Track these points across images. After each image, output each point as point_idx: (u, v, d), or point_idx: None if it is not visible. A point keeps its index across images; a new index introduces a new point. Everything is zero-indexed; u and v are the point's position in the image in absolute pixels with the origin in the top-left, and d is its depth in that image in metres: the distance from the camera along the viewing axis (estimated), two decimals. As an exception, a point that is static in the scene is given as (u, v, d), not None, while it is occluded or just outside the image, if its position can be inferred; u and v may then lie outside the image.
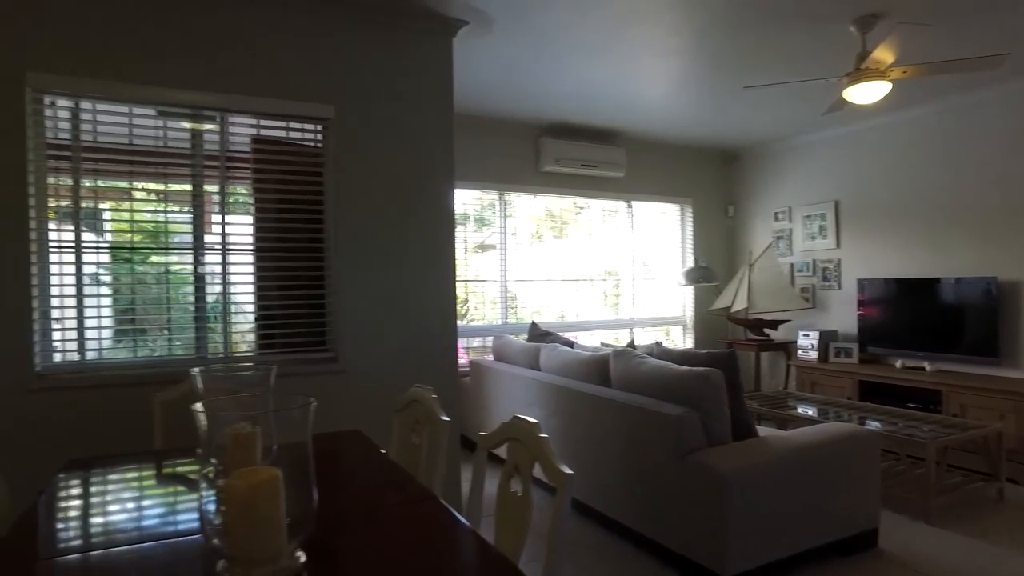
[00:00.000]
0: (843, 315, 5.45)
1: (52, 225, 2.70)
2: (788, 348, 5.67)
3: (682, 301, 6.35)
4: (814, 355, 5.29)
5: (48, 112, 2.67)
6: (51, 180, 2.68)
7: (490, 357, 4.77)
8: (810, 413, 4.10)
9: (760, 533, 2.54)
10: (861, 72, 3.44)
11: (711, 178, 6.47)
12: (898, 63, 3.34)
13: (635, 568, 2.82)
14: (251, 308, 3.14)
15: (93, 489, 1.75)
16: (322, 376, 3.02)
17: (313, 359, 3.06)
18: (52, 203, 2.69)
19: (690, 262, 6.24)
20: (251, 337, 3.16)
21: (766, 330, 5.76)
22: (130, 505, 1.65)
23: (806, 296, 5.74)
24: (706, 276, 5.90)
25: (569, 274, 5.84)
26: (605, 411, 3.14)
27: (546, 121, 5.29)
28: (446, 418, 1.76)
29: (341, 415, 2.79)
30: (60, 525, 1.50)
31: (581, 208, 5.92)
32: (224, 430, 1.56)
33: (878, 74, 3.44)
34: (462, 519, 1.39)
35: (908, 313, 4.89)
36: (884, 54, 3.31)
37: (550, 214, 5.84)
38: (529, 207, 5.69)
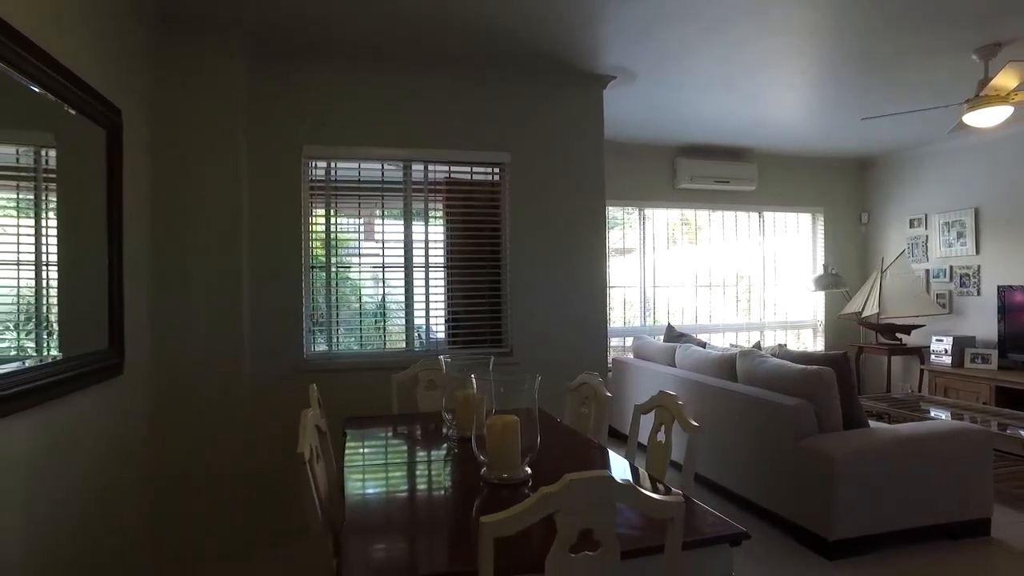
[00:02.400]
0: (982, 321, 5.53)
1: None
2: (921, 352, 5.81)
3: (813, 306, 6.63)
4: (947, 360, 5.43)
5: (311, 164, 3.71)
6: (312, 207, 3.71)
7: (630, 355, 5.43)
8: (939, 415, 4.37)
9: (863, 507, 3.02)
10: (982, 99, 3.72)
11: (844, 187, 6.68)
12: (1021, 86, 3.58)
13: (758, 534, 3.38)
14: (442, 313, 4.04)
15: (373, 433, 2.65)
16: (501, 367, 3.84)
17: (493, 353, 3.90)
18: (313, 233, 3.73)
19: (820, 269, 6.51)
20: (442, 336, 4.06)
21: (898, 335, 5.93)
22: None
23: (942, 302, 5.85)
24: (835, 283, 6.17)
25: (702, 279, 6.35)
26: (732, 403, 3.72)
27: (681, 143, 5.86)
28: (608, 394, 2.48)
29: (518, 398, 3.59)
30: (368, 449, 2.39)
31: (713, 220, 6.41)
32: (457, 394, 2.41)
33: (999, 99, 3.70)
34: (621, 456, 2.11)
35: (1050, 321, 4.94)
36: (1007, 80, 3.59)
37: (684, 221, 6.38)
38: (666, 216, 6.26)
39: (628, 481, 1.19)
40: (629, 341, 5.70)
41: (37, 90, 1.83)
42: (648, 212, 6.13)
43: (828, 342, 6.58)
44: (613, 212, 6.04)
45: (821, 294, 6.52)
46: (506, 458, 1.88)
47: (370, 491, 1.97)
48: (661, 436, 2.10)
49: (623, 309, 6.18)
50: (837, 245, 6.65)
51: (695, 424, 1.96)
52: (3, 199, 1.85)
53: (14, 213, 1.85)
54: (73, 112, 2.07)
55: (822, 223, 6.64)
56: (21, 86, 1.76)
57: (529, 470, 1.92)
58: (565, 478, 1.15)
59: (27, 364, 1.80)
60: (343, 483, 1.97)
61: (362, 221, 3.98)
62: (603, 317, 4.10)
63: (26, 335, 1.87)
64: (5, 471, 1.69)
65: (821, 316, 6.63)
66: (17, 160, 1.88)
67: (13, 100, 1.76)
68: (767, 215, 6.50)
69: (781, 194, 6.41)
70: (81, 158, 2.22)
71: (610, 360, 5.56)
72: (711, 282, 6.40)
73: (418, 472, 2.25)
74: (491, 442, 1.90)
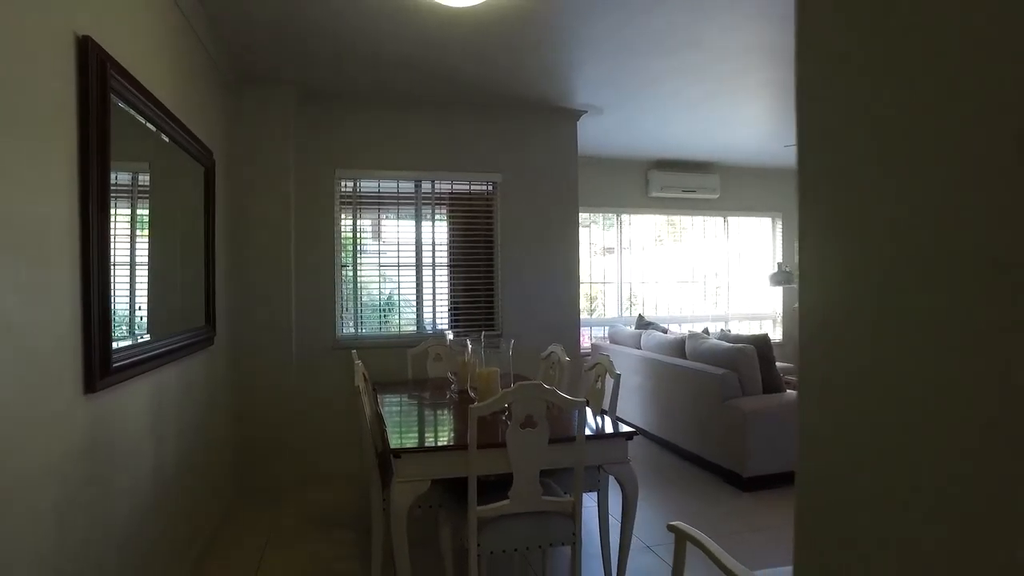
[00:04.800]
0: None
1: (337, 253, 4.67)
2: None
3: (772, 300, 7.55)
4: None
5: (341, 183, 4.64)
6: (342, 217, 4.64)
7: (607, 341, 6.35)
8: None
9: (768, 452, 3.94)
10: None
11: (801, 194, 7.56)
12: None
13: (693, 474, 4.31)
14: (446, 301, 4.96)
15: (395, 390, 3.58)
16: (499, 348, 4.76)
17: (493, 339, 4.82)
18: (343, 238, 4.66)
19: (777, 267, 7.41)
20: (446, 321, 4.98)
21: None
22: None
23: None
24: (788, 279, 7.07)
25: (676, 276, 7.27)
26: (679, 374, 4.64)
27: (653, 157, 6.76)
28: (567, 358, 3.40)
29: (501, 361, 4.52)
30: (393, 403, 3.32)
31: (684, 228, 7.32)
32: (457, 359, 3.33)
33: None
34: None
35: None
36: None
37: (660, 225, 7.29)
38: (642, 222, 7.18)
39: (551, 387, 2.12)
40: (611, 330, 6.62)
41: (167, 140, 2.75)
42: (625, 217, 7.05)
43: (785, 331, 7.49)
44: (595, 217, 6.96)
45: (779, 289, 7.42)
46: (489, 394, 2.81)
47: (402, 417, 2.91)
48: (599, 385, 3.01)
49: (610, 303, 7.10)
50: (794, 245, 7.54)
51: (618, 372, 2.87)
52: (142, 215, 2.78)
53: (144, 228, 2.77)
54: (190, 156, 3.00)
55: (780, 226, 7.54)
56: (171, 145, 2.69)
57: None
58: (516, 384, 2.08)
59: (173, 335, 2.73)
60: (382, 417, 2.90)
61: (382, 227, 4.90)
62: (576, 304, 5.02)
63: (170, 316, 2.80)
64: (166, 396, 2.62)
65: (780, 308, 7.54)
66: (145, 190, 2.80)
67: (171, 157, 2.70)
68: (731, 219, 7.40)
69: (743, 201, 7.31)
70: (193, 190, 3.14)
71: (590, 344, 6.49)
72: (683, 279, 7.32)
73: (430, 408, 3.18)
74: (479, 385, 2.83)
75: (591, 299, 7.82)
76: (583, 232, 7.20)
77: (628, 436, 2.43)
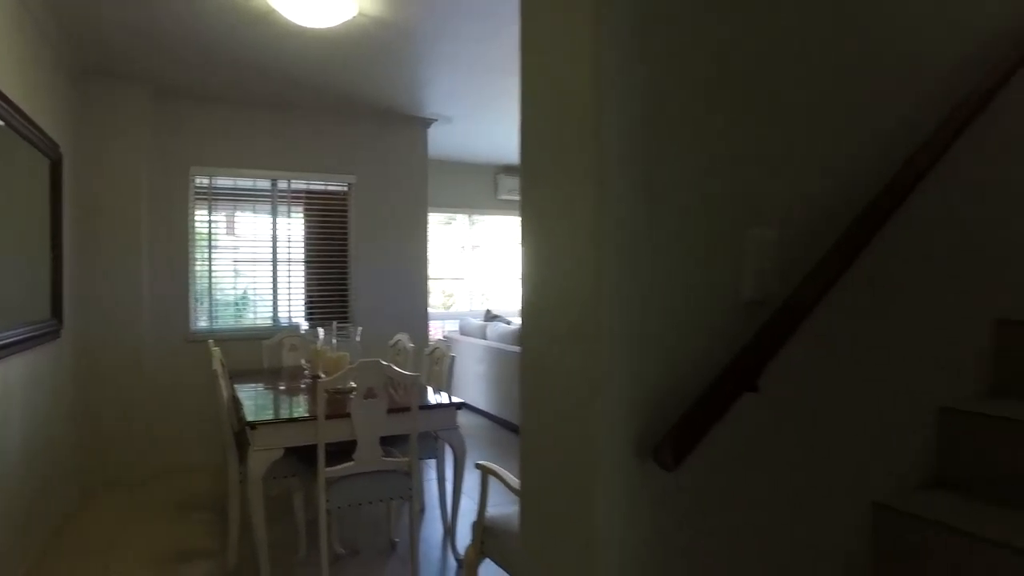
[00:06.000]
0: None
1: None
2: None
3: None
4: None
5: (197, 179, 4.72)
6: (196, 212, 4.73)
7: (458, 333, 6.85)
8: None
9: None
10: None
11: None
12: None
13: (513, 442, 4.90)
14: (302, 294, 5.19)
15: (252, 377, 3.81)
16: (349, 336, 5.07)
17: (343, 327, 5.12)
18: (197, 230, 4.75)
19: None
20: (302, 314, 5.21)
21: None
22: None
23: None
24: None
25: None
26: (511, 358, 5.23)
27: (501, 163, 7.35)
28: (411, 345, 3.82)
29: (351, 349, 4.86)
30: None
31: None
32: (311, 347, 3.65)
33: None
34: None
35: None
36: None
37: (507, 227, 7.90)
38: (493, 222, 7.75)
39: (388, 364, 2.54)
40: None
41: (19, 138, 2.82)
42: (477, 218, 7.58)
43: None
44: (448, 217, 7.42)
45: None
46: (333, 370, 3.16)
47: (257, 400, 3.18)
48: (438, 366, 3.47)
49: (467, 299, 7.59)
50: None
51: (453, 355, 3.35)
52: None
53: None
54: (31, 146, 3.03)
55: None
56: (7, 130, 2.77)
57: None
58: (359, 361, 2.48)
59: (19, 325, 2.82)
60: (238, 399, 3.15)
61: (237, 223, 5.04)
62: (425, 297, 5.46)
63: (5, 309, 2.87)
64: (5, 389, 2.72)
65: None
66: None
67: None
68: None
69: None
70: (36, 181, 3.19)
71: (443, 337, 6.95)
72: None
73: (286, 391, 3.47)
74: (329, 368, 3.18)
75: (447, 295, 8.31)
76: (445, 231, 7.68)
77: (457, 406, 2.91)
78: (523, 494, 1.19)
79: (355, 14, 3.22)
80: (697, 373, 1.08)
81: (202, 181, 4.76)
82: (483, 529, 2.05)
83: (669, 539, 1.06)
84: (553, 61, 1.10)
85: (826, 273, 1.15)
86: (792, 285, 1.16)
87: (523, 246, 1.16)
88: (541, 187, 1.13)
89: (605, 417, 1.00)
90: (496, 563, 2.02)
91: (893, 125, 1.41)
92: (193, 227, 4.72)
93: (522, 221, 1.17)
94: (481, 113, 5.31)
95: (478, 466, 2.09)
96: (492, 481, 2.07)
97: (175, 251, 4.61)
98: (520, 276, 1.20)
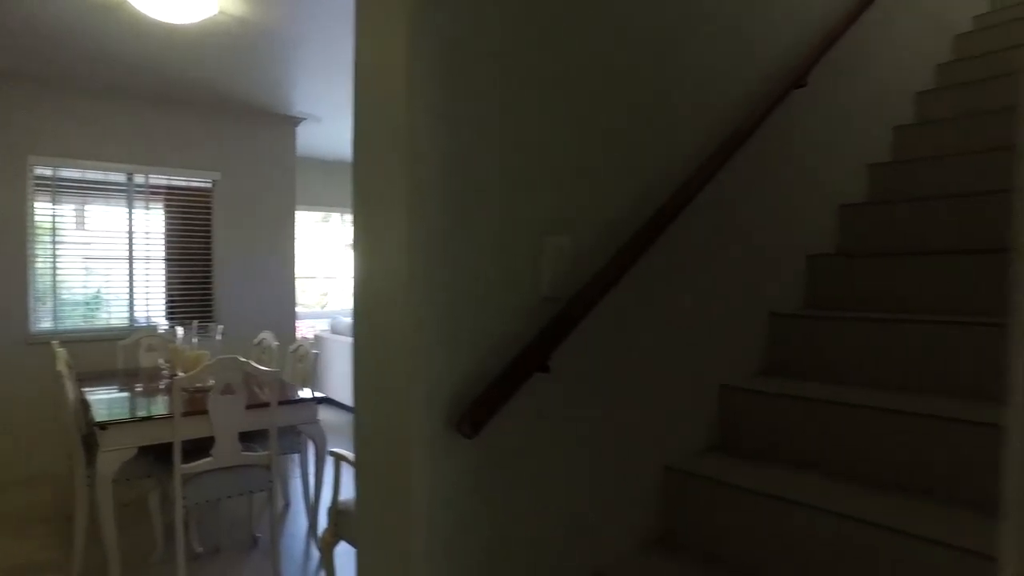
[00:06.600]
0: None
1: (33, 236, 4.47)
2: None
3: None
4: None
5: (39, 170, 4.43)
6: (36, 204, 4.43)
7: (329, 331, 6.83)
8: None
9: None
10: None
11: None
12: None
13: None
14: (162, 293, 5.01)
15: (106, 380, 3.67)
16: (210, 334, 4.96)
17: (204, 325, 5.00)
18: (38, 223, 4.46)
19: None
20: (162, 312, 5.03)
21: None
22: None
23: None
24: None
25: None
26: (387, 357, 5.34)
27: (375, 162, 7.40)
28: (276, 342, 3.85)
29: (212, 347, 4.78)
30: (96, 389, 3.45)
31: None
32: (169, 347, 3.60)
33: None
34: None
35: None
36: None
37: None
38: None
39: (246, 360, 2.61)
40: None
41: None
42: (348, 216, 7.59)
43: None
44: (325, 215, 7.37)
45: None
46: (192, 368, 3.15)
47: (112, 400, 3.10)
48: (302, 364, 3.55)
49: (336, 296, 7.55)
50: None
51: (315, 352, 3.44)
52: None
53: None
54: None
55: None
56: None
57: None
58: (216, 358, 2.53)
59: None
60: (87, 403, 3.06)
61: (87, 217, 4.77)
62: (292, 296, 5.44)
63: None
64: None
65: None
66: None
67: None
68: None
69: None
70: None
71: (315, 336, 6.91)
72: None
73: (143, 392, 3.39)
74: (188, 366, 3.16)
75: (323, 294, 8.23)
76: (322, 228, 7.62)
77: (318, 400, 3.02)
78: (357, 467, 1.36)
79: (215, 12, 3.22)
80: (501, 359, 1.31)
81: (43, 171, 4.47)
82: (337, 512, 2.19)
83: (472, 492, 1.28)
84: (376, 98, 1.29)
85: (608, 276, 1.41)
86: (582, 284, 1.42)
87: (354, 254, 1.34)
88: (369, 205, 1.31)
89: (420, 396, 1.20)
90: (348, 542, 2.17)
91: (676, 155, 1.72)
92: (32, 220, 4.43)
93: (353, 233, 1.35)
94: (349, 113, 5.36)
95: (331, 453, 2.23)
96: (348, 468, 2.22)
97: (10, 246, 4.31)
98: (352, 279, 1.38)
